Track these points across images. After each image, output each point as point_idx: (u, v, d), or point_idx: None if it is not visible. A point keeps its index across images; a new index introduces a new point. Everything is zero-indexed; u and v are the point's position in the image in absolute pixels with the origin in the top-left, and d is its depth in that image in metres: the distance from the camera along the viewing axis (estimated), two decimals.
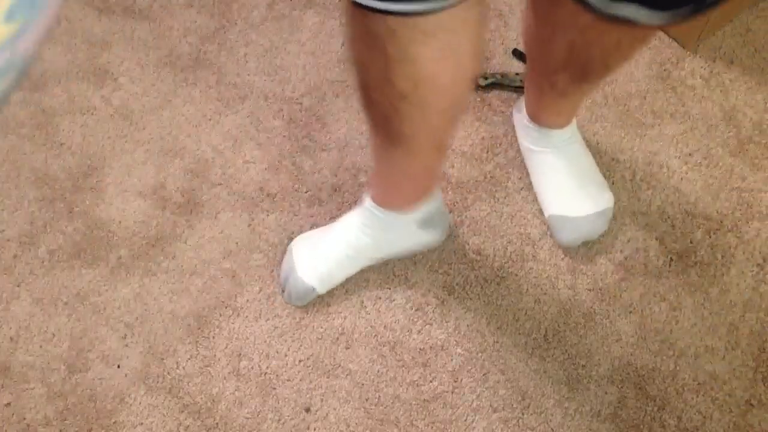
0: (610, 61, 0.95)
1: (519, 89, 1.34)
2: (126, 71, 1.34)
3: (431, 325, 1.16)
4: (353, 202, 1.24)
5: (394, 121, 0.88)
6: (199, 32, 1.38)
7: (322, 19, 1.39)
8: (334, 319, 1.16)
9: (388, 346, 1.15)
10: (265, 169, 1.26)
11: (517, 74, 1.34)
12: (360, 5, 0.71)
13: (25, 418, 1.10)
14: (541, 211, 1.24)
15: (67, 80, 1.32)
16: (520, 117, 1.23)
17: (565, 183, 1.20)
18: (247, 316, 1.16)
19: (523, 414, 1.11)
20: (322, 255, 1.13)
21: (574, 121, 1.20)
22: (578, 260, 1.21)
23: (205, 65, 1.35)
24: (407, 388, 1.12)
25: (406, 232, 1.12)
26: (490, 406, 1.11)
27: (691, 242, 1.23)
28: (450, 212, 1.24)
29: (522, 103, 1.22)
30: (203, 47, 1.37)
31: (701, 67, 1.39)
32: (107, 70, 1.34)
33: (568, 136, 1.20)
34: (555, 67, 1.00)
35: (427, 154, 0.97)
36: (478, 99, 1.34)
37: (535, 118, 1.19)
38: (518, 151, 1.29)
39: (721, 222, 1.25)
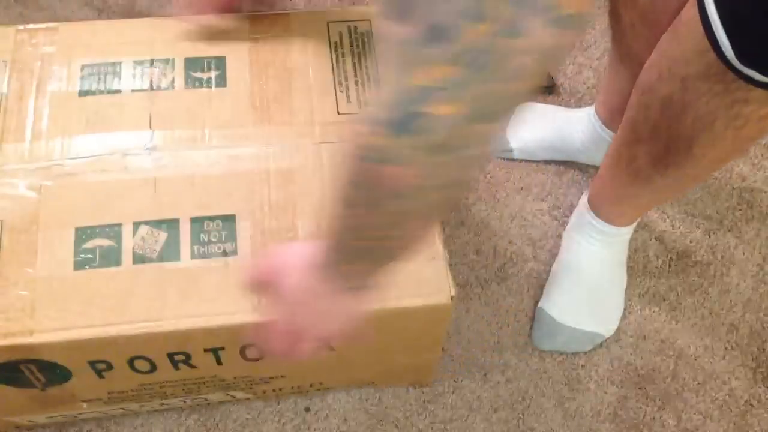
0: (695, 140, 0.84)
1: None
2: None
3: None
4: None
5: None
6: None
7: None
8: None
9: None
10: None
11: None
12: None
13: None
14: (541, 211, 1.24)
15: None
16: (578, 209, 1.17)
17: (572, 285, 1.14)
18: None
19: (523, 414, 1.11)
20: (537, 128, 1.24)
21: (623, 234, 1.13)
22: None
23: None
24: (407, 388, 1.12)
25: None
26: (490, 406, 1.11)
27: (691, 242, 1.23)
28: (450, 212, 1.24)
29: (585, 196, 1.15)
30: None
31: None
32: None
33: (608, 238, 1.12)
34: (642, 134, 0.91)
35: None
36: None
37: (594, 202, 1.11)
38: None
39: (721, 222, 1.25)
